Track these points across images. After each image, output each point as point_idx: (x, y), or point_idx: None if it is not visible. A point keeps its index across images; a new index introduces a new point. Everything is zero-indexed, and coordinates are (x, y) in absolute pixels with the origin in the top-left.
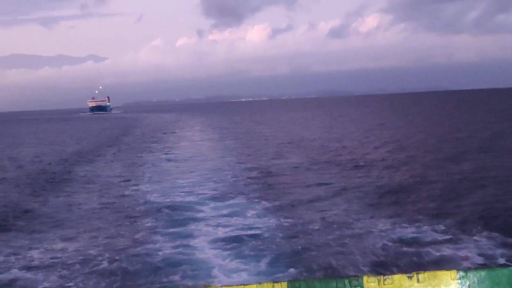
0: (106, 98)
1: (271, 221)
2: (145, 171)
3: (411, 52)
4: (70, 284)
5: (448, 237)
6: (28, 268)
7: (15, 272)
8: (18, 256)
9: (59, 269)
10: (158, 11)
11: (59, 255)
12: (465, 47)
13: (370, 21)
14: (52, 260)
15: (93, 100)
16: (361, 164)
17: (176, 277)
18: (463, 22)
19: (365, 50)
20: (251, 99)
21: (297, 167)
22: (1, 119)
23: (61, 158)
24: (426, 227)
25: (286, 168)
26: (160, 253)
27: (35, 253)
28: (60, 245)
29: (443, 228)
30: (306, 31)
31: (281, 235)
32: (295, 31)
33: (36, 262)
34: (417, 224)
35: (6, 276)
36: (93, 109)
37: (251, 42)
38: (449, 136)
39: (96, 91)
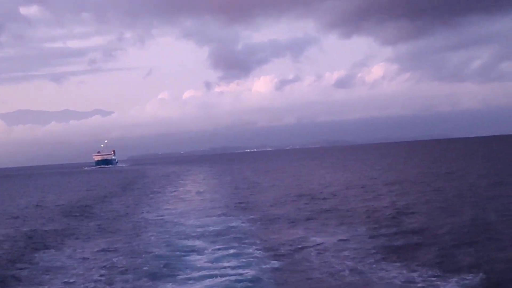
0: (112, 152)
1: (246, 225)
2: (151, 205)
3: (415, 100)
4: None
5: None
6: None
7: (72, 258)
8: (68, 249)
9: (96, 257)
10: (166, 65)
11: (98, 248)
12: (469, 95)
13: (376, 71)
14: (94, 250)
15: (99, 154)
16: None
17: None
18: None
19: (370, 100)
20: (255, 150)
21: (269, 199)
22: (11, 174)
23: (82, 201)
24: None
25: (261, 199)
26: (158, 246)
27: (76, 245)
28: (92, 244)
29: None
30: (313, 81)
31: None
32: (301, 81)
33: (84, 253)
34: None
35: (69, 256)
36: (98, 162)
37: (257, 93)
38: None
39: (102, 145)
